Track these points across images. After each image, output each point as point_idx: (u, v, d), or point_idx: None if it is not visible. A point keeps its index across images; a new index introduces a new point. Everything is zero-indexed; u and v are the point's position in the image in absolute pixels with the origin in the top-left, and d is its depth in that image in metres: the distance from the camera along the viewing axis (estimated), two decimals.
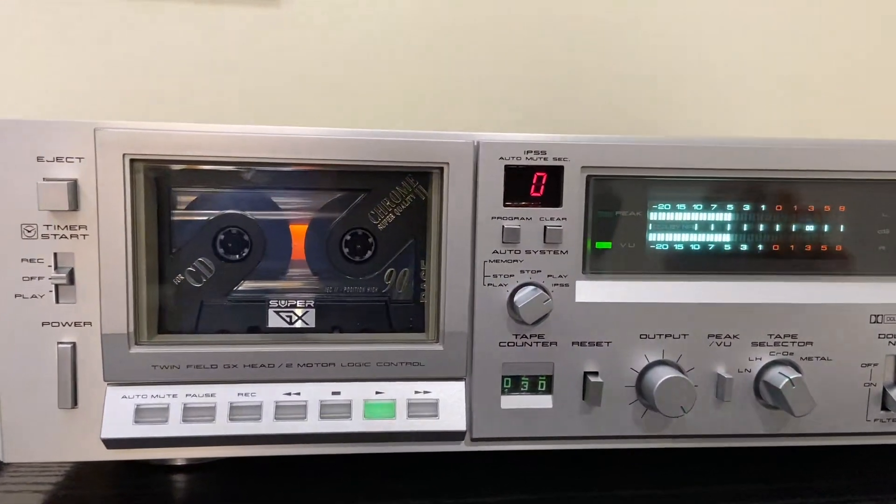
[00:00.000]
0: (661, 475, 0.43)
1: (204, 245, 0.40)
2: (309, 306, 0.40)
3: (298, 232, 0.41)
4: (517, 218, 0.39)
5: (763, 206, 0.41)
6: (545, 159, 0.38)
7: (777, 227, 0.41)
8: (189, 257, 0.40)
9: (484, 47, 0.67)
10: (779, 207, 0.41)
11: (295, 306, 0.40)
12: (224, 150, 0.37)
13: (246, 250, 0.40)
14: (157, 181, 0.38)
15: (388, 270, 0.41)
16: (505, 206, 0.38)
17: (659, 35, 0.69)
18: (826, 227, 0.42)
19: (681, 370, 0.40)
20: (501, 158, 0.38)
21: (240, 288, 0.40)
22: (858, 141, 0.41)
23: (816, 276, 0.42)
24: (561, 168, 0.38)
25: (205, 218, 0.40)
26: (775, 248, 0.41)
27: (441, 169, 0.38)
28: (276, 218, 0.40)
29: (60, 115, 0.51)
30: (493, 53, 0.67)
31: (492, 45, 0.67)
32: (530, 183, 0.39)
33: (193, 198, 0.40)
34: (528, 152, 0.38)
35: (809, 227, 0.42)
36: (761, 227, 0.41)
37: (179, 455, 0.40)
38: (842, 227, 0.42)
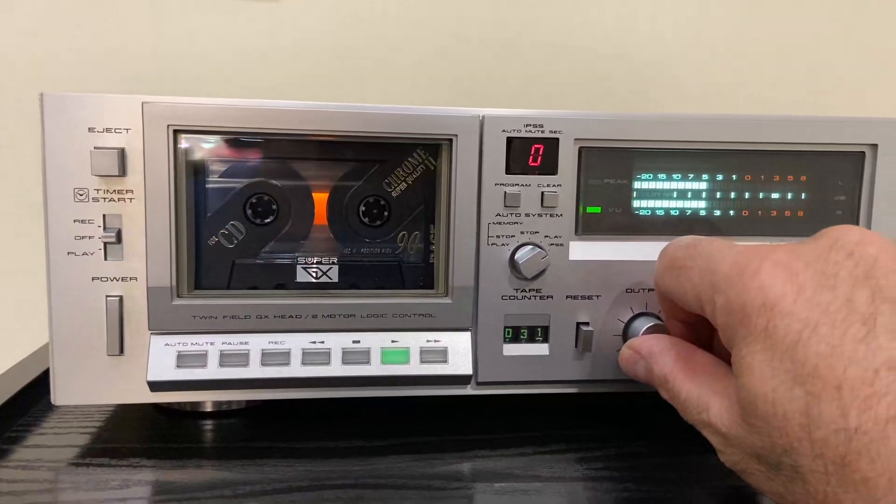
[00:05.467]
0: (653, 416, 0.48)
1: (235, 210, 0.44)
2: (333, 263, 0.45)
3: (320, 199, 0.45)
4: (518, 185, 0.43)
5: (734, 176, 0.46)
6: (542, 132, 0.43)
7: (746, 195, 0.46)
8: (222, 221, 0.44)
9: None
10: (747, 177, 0.46)
11: (321, 263, 0.44)
12: (257, 121, 0.41)
13: (273, 215, 0.44)
14: (194, 151, 0.42)
15: (401, 233, 0.46)
16: (507, 174, 0.43)
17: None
18: (789, 195, 0.47)
19: (660, 320, 0.45)
20: (504, 131, 0.43)
21: (267, 249, 0.45)
22: (816, 117, 0.46)
23: (782, 238, 0.47)
24: (556, 140, 0.43)
25: (236, 185, 0.44)
26: (745, 213, 0.47)
27: (450, 141, 0.43)
28: (300, 185, 0.45)
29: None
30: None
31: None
32: (529, 153, 0.43)
33: (225, 167, 0.44)
34: (527, 125, 0.43)
35: (774, 195, 0.47)
36: (732, 195, 0.46)
37: (216, 398, 0.44)
38: (802, 194, 0.47)
